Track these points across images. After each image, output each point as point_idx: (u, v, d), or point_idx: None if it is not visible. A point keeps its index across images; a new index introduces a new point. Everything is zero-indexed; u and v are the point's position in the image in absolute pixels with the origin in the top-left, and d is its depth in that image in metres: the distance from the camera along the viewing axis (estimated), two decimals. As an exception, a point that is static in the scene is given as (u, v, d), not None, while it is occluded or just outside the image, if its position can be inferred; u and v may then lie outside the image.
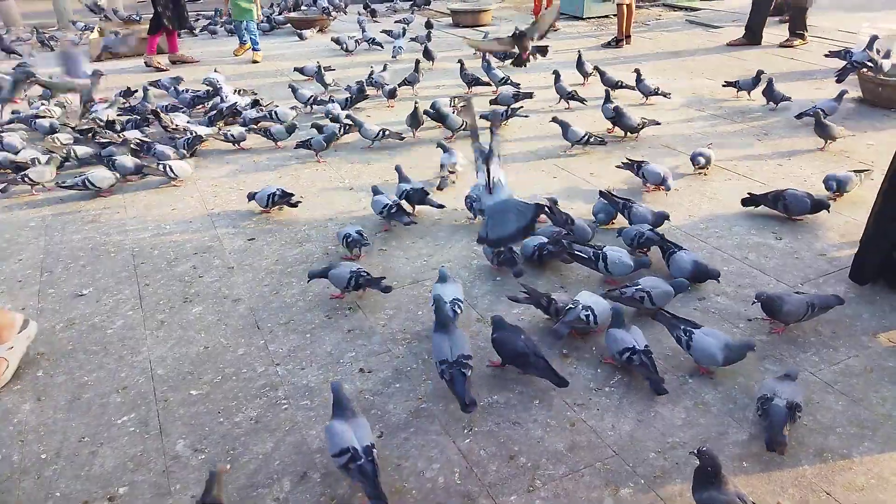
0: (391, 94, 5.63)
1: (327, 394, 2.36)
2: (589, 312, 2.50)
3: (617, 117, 4.63)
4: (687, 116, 5.14)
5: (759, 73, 5.37)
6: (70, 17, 10.43)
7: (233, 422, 2.26)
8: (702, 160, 3.99)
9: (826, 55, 5.80)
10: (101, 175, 4.06)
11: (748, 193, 3.52)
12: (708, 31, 8.47)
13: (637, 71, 5.51)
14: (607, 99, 4.87)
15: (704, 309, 2.74)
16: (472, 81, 5.89)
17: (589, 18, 9.52)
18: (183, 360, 2.58)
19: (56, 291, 3.08)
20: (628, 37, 7.86)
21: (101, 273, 3.23)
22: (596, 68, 5.76)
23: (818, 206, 3.32)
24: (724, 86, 5.55)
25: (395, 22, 9.24)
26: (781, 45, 7.23)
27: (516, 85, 5.72)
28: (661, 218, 3.23)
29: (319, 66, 6.17)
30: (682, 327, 2.38)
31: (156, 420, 2.28)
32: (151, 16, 7.71)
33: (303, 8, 10.33)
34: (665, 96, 5.39)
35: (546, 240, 3.08)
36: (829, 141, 4.32)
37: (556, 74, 5.54)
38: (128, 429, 2.25)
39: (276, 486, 2.00)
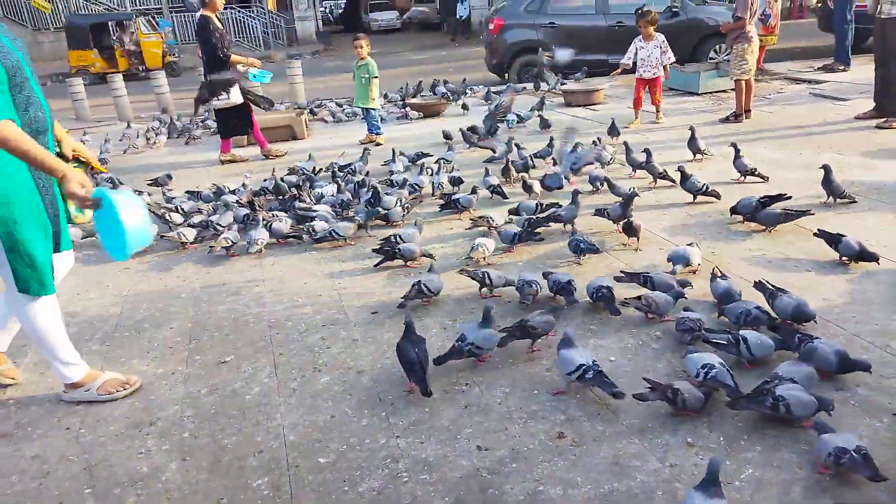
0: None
1: (446, 468, 2.43)
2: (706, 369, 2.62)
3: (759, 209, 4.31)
4: (818, 193, 4.90)
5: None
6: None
7: (357, 492, 2.36)
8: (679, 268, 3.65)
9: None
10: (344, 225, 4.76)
11: None
12: (834, 104, 8.15)
13: (734, 145, 5.41)
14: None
15: (843, 400, 2.57)
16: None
17: (705, 94, 9.45)
18: (312, 428, 2.74)
19: (202, 358, 3.38)
20: (748, 111, 7.71)
21: (241, 342, 3.51)
22: (733, 144, 5.53)
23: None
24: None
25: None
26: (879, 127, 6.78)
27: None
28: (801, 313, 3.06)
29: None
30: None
31: (287, 485, 2.42)
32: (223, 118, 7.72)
33: (423, 94, 10.99)
34: (762, 179, 5.25)
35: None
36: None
37: (647, 153, 5.57)
38: (262, 492, 2.41)
39: (396, 560, 2.06)
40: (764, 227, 4.32)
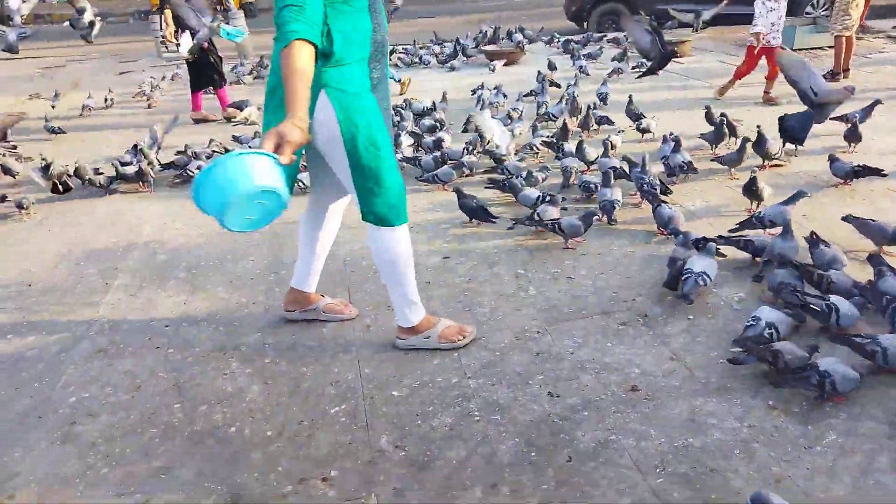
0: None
1: (516, 411, 2.46)
2: (772, 330, 2.58)
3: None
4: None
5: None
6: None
7: (430, 425, 2.43)
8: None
9: None
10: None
11: None
12: (945, 64, 7.53)
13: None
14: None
15: (939, 375, 2.45)
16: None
17: (800, 50, 8.88)
18: (387, 364, 2.81)
19: (280, 290, 3.49)
20: (846, 70, 7.22)
21: (320, 276, 3.60)
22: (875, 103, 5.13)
23: None
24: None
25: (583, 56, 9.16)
26: None
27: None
28: None
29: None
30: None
31: (363, 414, 2.51)
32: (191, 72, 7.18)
33: (502, 41, 10.73)
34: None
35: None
36: None
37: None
38: (339, 419, 2.50)
39: (468, 493, 2.11)
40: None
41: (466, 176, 4.94)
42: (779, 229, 3.38)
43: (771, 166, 4.71)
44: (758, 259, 3.34)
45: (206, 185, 1.89)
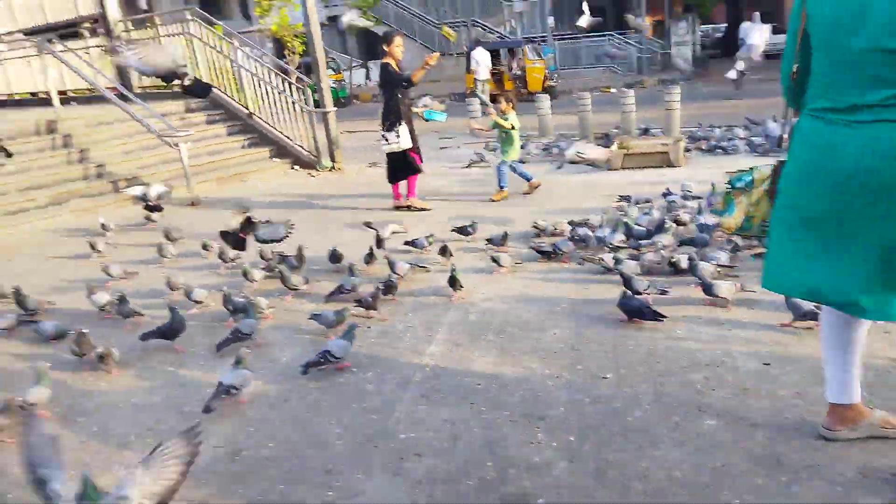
0: None
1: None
2: None
3: None
4: None
5: None
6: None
7: (751, 551, 2.25)
8: None
9: None
10: None
11: None
12: None
13: None
14: None
15: None
16: None
17: None
18: (701, 471, 2.68)
19: (583, 368, 3.58)
20: None
21: (621, 363, 3.63)
22: None
23: None
24: None
25: None
26: None
27: None
28: None
29: None
30: None
31: (674, 518, 2.43)
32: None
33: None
34: None
35: None
36: None
37: None
38: (648, 516, 2.46)
39: None
40: None
41: None
42: None
43: None
44: None
45: None
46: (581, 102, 11.55)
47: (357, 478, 2.82)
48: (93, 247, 6.32)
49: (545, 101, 12.77)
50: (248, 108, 10.61)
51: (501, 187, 7.66)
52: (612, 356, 3.72)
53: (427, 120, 7.81)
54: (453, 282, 4.65)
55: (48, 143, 8.86)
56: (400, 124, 7.07)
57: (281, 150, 10.49)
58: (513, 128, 7.44)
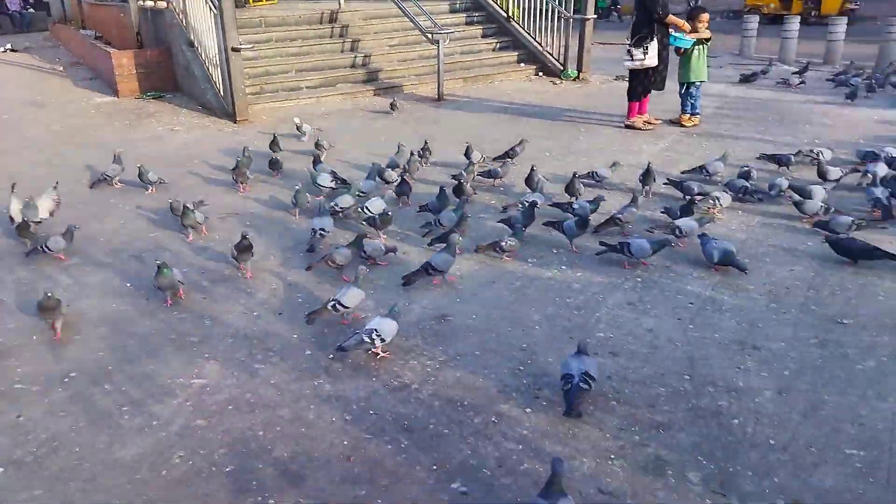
0: None
1: None
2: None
3: None
4: None
5: None
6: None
7: None
8: None
9: None
10: None
11: None
12: None
13: None
14: None
15: None
16: None
17: None
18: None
19: (817, 308, 3.24)
20: None
21: (865, 311, 3.21)
22: None
23: None
24: None
25: None
26: None
27: None
28: None
29: None
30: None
31: (885, 470, 2.19)
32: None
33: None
34: None
35: None
36: None
37: None
38: (853, 462, 2.25)
39: None
40: None
41: None
42: None
43: None
44: None
45: None
46: (889, 30, 9.74)
47: (547, 360, 2.92)
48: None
49: (840, 25, 10.95)
50: (507, 13, 10.65)
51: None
52: (855, 303, 3.31)
53: (672, 43, 7.15)
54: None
55: (327, 32, 9.81)
56: (651, 41, 6.67)
57: (530, 56, 10.43)
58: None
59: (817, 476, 2.19)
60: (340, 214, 4.45)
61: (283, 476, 2.27)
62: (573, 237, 4.02)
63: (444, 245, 3.79)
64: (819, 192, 4.42)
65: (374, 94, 8.99)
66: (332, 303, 3.15)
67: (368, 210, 4.28)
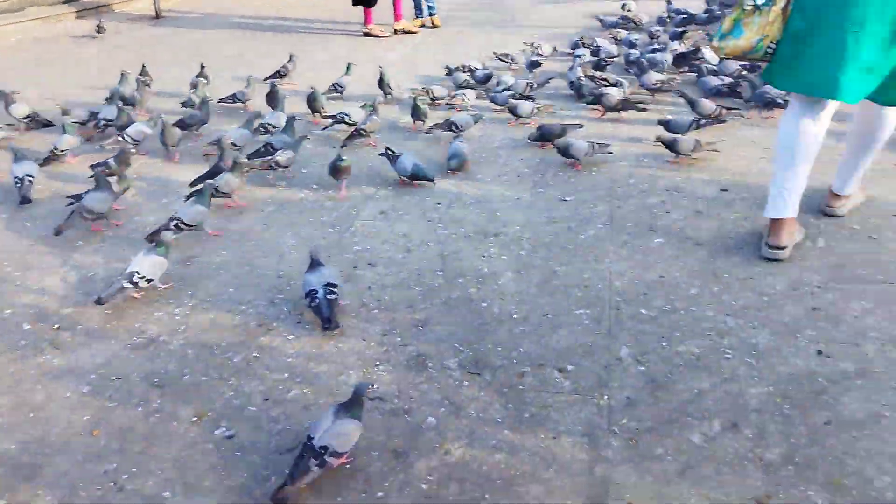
0: None
1: (775, 360, 2.28)
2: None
3: None
4: None
5: None
6: None
7: (674, 350, 2.36)
8: None
9: None
10: None
11: None
12: None
13: None
14: None
15: None
16: None
17: None
18: (638, 282, 2.76)
19: (545, 192, 3.58)
20: None
21: (583, 186, 3.62)
22: None
23: None
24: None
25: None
26: None
27: None
28: None
29: None
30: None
31: (607, 322, 2.53)
32: None
33: None
34: None
35: None
36: None
37: None
38: (582, 321, 2.55)
39: (705, 424, 2.04)
40: None
41: None
42: None
43: None
44: None
45: None
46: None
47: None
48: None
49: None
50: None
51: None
52: (574, 181, 3.70)
53: None
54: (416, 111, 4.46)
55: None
56: None
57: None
58: None
59: (555, 338, 2.46)
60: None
61: (13, 472, 1.97)
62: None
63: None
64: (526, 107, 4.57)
65: (77, 17, 7.74)
66: (175, 221, 3.08)
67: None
